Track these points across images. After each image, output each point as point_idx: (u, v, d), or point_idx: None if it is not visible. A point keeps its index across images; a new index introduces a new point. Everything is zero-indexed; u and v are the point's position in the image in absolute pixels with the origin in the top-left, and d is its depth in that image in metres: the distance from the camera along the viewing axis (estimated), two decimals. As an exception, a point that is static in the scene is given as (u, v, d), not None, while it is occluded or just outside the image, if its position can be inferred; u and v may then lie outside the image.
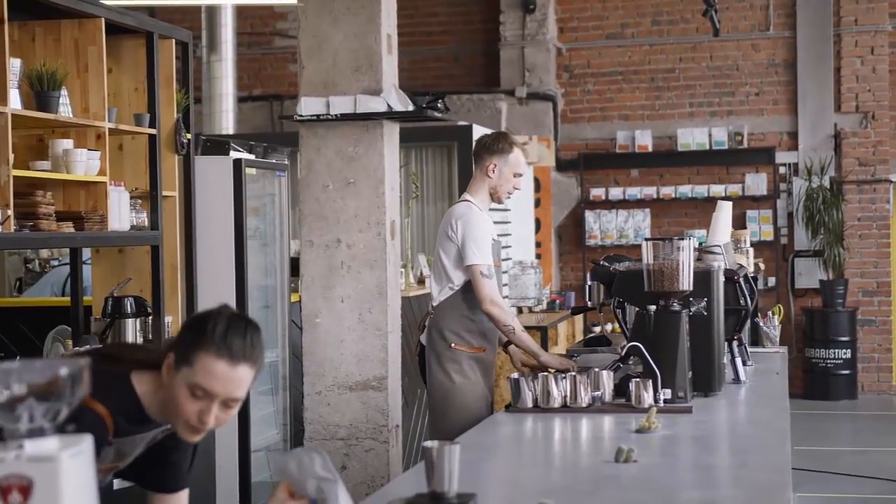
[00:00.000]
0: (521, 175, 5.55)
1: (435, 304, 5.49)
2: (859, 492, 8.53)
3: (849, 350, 12.74)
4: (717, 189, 13.09)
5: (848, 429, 11.66)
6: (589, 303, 5.43)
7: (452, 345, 5.40)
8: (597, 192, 13.45)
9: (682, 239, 4.59)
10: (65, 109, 5.16)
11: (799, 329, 13.12)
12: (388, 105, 6.16)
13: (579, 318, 12.04)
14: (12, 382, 1.82)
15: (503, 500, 3.03)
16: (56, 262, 9.53)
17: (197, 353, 2.65)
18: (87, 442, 1.86)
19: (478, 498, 2.87)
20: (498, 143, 5.52)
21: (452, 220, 5.44)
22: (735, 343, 5.30)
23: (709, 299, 4.72)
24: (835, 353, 12.71)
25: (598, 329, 12.53)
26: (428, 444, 2.81)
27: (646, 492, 3.12)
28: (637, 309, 4.74)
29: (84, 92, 5.39)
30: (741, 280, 5.27)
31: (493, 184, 5.50)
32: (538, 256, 12.69)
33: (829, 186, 12.85)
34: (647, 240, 4.65)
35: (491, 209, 5.59)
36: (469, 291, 5.40)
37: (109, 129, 5.48)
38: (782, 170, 13.24)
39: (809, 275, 13.09)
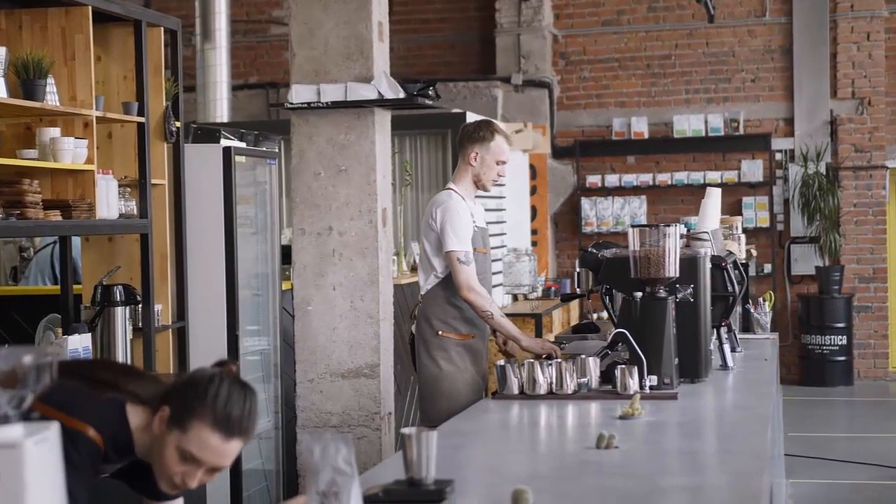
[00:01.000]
0: (504, 162, 5.56)
1: (422, 292, 5.52)
2: (855, 478, 8.54)
3: (845, 336, 12.75)
4: (714, 176, 13.08)
5: (844, 415, 11.67)
6: (578, 290, 5.44)
7: (440, 332, 5.43)
8: (593, 180, 13.45)
9: (669, 226, 4.59)
10: (52, 98, 5.15)
11: (795, 315, 13.13)
12: (379, 92, 6.16)
13: (575, 306, 12.05)
14: (-24, 370, 1.82)
15: (481, 486, 3.04)
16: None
17: (193, 420, 2.65)
18: (52, 429, 1.86)
19: (455, 484, 2.88)
20: (479, 132, 5.54)
21: (433, 208, 5.48)
22: (723, 329, 5.30)
23: (695, 286, 4.73)
24: (831, 339, 12.72)
25: (594, 316, 12.55)
26: (405, 430, 2.83)
27: (624, 478, 3.13)
28: (624, 295, 4.75)
29: (71, 80, 5.39)
30: (729, 266, 5.27)
31: (475, 172, 5.52)
32: (534, 244, 12.70)
33: (825, 173, 12.84)
34: (633, 226, 4.65)
35: (486, 196, 5.63)
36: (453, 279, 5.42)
37: (97, 117, 5.47)
38: (778, 156, 13.23)
39: (805, 261, 13.09)
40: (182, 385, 2.73)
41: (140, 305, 5.81)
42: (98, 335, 5.59)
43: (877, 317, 13.13)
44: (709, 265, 4.90)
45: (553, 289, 11.27)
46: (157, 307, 5.94)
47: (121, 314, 5.67)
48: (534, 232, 12.83)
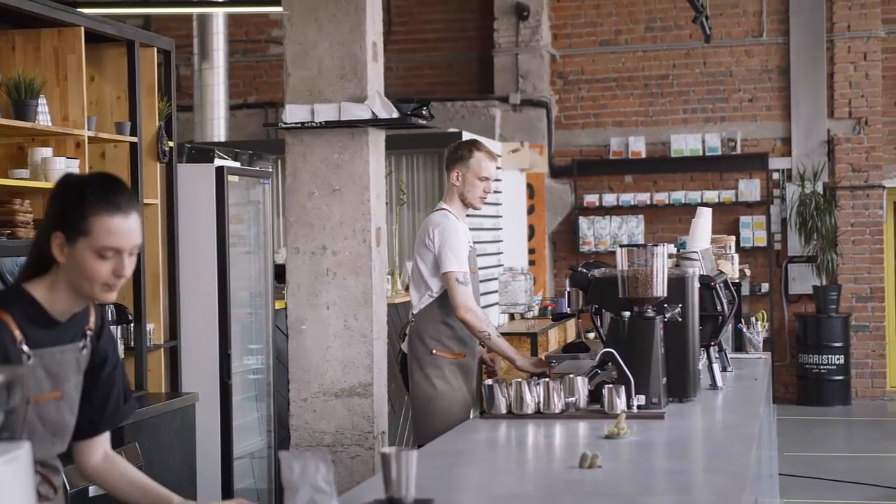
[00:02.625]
0: (486, 179, 5.62)
1: (415, 311, 5.58)
2: (852, 497, 8.53)
3: (842, 356, 12.74)
4: (711, 195, 13.10)
5: (841, 434, 11.66)
6: (568, 309, 5.45)
7: (434, 351, 5.47)
8: (591, 199, 13.47)
9: (656, 245, 4.60)
10: (43, 118, 5.18)
11: (792, 335, 13.13)
12: (373, 112, 6.18)
13: (572, 325, 12.05)
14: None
15: (462, 505, 3.05)
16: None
17: (88, 220, 2.73)
18: (24, 449, 1.88)
19: (435, 503, 2.88)
20: (458, 151, 5.67)
21: (429, 228, 5.54)
22: (713, 349, 5.31)
23: (683, 305, 4.73)
24: (828, 358, 12.71)
25: (592, 335, 12.54)
26: (385, 450, 2.84)
27: (605, 497, 3.13)
28: (612, 315, 4.76)
29: (63, 100, 5.42)
30: (718, 286, 5.27)
31: (460, 191, 5.62)
32: (532, 263, 12.71)
33: (822, 192, 12.86)
34: (621, 246, 4.66)
35: (483, 215, 5.69)
36: (448, 298, 5.45)
37: (90, 137, 5.50)
38: (776, 176, 13.25)
39: (803, 280, 13.09)
40: (56, 206, 2.79)
41: (132, 325, 5.83)
42: (90, 354, 5.59)
43: (874, 336, 13.13)
44: (697, 285, 4.90)
45: (550, 308, 11.27)
46: (150, 326, 5.96)
47: (113, 333, 5.67)
48: (531, 251, 12.85)
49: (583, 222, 13.45)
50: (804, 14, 13.11)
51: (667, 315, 4.65)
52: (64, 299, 2.81)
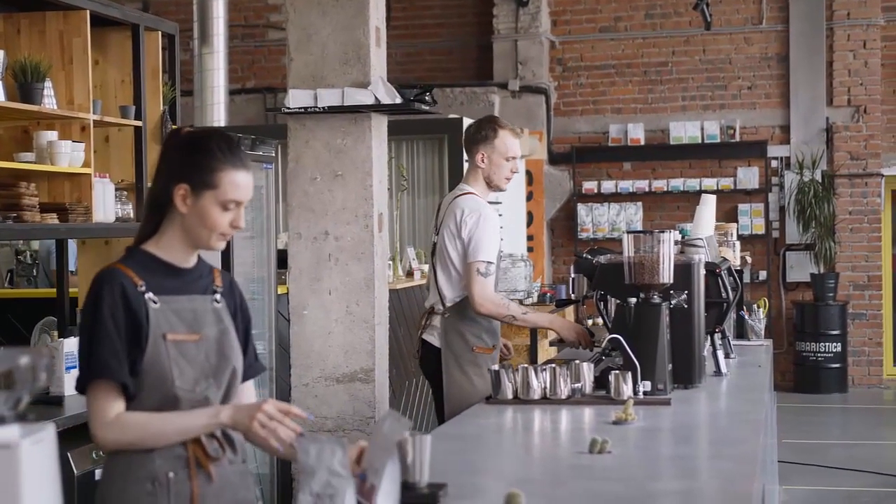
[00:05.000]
0: (514, 158, 5.42)
1: (448, 303, 5.35)
2: (849, 484, 8.56)
3: (839, 343, 12.77)
4: (709, 182, 13.11)
5: (838, 422, 11.69)
6: (573, 295, 5.44)
7: (474, 348, 5.30)
8: (589, 186, 13.47)
9: (663, 232, 4.61)
10: (49, 101, 5.17)
11: (790, 322, 13.15)
12: (376, 98, 6.17)
13: (570, 311, 12.06)
14: (-28, 371, 1.84)
15: (474, 489, 3.05)
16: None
17: (217, 174, 2.92)
18: (48, 430, 1.88)
19: (448, 488, 2.89)
20: (481, 131, 5.43)
21: (462, 214, 5.31)
22: (717, 336, 5.32)
23: (689, 292, 4.74)
24: (825, 346, 12.74)
25: (589, 322, 12.56)
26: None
27: (616, 482, 3.14)
28: (618, 301, 4.76)
29: (69, 84, 5.41)
30: (723, 273, 5.28)
31: (486, 173, 5.41)
32: (530, 249, 12.72)
33: (820, 180, 12.87)
34: (628, 232, 4.66)
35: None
36: None
37: (95, 120, 5.49)
38: (774, 163, 13.26)
39: (801, 268, 13.12)
40: (181, 161, 2.96)
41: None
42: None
43: (871, 324, 13.16)
44: (703, 272, 4.91)
45: (549, 294, 11.28)
46: (154, 310, 5.96)
47: (117, 317, 5.67)
48: (530, 238, 12.85)
49: (581, 209, 13.45)
50: (804, 2, 13.11)
51: (673, 301, 4.65)
52: (176, 248, 2.98)
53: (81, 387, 2.94)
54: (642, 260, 4.58)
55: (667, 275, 4.59)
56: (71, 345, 5.30)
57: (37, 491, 1.83)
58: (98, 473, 4.73)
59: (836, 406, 12.31)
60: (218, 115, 10.53)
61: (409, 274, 8.39)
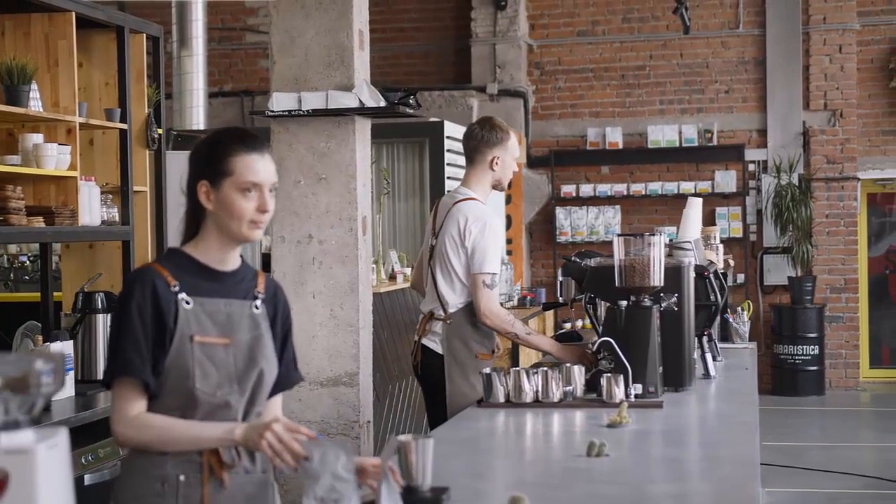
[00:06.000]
0: (517, 156, 5.41)
1: (451, 309, 5.24)
2: (830, 487, 8.59)
3: (816, 346, 12.83)
4: (687, 186, 13.15)
5: (816, 424, 11.74)
6: (560, 299, 5.43)
7: (478, 355, 5.21)
8: (567, 189, 13.49)
9: (654, 235, 4.61)
10: (35, 104, 5.13)
11: (767, 325, 13.20)
12: (360, 101, 6.17)
13: (550, 315, 12.09)
14: (-13, 375, 1.81)
15: (475, 493, 3.04)
16: (24, 258, 9.48)
17: (228, 160, 2.95)
18: (62, 435, 1.86)
19: (451, 492, 2.88)
20: (496, 134, 5.30)
21: (468, 223, 5.19)
22: (705, 339, 5.33)
23: (679, 295, 4.75)
24: (803, 349, 12.80)
25: (568, 325, 12.58)
26: (402, 438, 2.82)
27: (617, 485, 3.14)
28: (608, 304, 4.76)
29: (54, 86, 5.36)
30: (711, 276, 5.30)
31: (497, 176, 5.33)
32: (509, 253, 12.72)
33: (797, 184, 12.93)
34: (618, 235, 4.66)
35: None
36: None
37: (81, 123, 5.45)
38: (751, 167, 13.31)
39: (778, 271, 13.17)
40: (198, 160, 3.01)
41: (122, 313, 5.78)
42: (79, 342, 5.56)
43: (848, 327, 13.23)
44: (693, 274, 4.92)
45: (529, 298, 11.29)
46: (138, 315, 5.91)
47: (102, 321, 5.63)
48: (509, 241, 12.86)
49: (560, 213, 13.47)
50: (780, 6, 13.17)
51: (663, 304, 4.66)
52: (215, 248, 3.00)
53: (107, 382, 2.95)
54: (633, 263, 4.58)
55: (657, 278, 4.59)
56: (57, 349, 5.26)
57: (52, 495, 1.81)
58: (87, 479, 4.70)
59: (814, 408, 12.37)
60: (197, 118, 10.50)
61: (392, 277, 8.37)
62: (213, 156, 2.97)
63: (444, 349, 5.26)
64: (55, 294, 5.98)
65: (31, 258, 9.66)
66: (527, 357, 9.49)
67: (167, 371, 2.91)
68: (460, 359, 5.22)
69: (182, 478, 2.91)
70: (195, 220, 3.01)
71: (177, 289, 2.94)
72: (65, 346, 5.13)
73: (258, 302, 3.06)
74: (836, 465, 9.15)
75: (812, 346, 12.80)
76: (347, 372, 6.21)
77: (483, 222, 5.18)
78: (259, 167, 2.96)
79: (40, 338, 5.63)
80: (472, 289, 5.15)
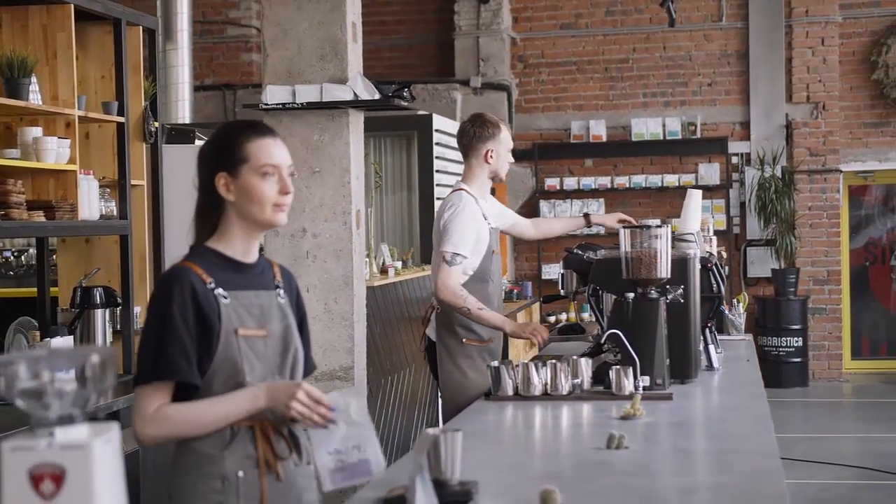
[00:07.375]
0: (511, 148, 5.64)
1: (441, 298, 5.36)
2: (813, 477, 8.63)
3: (800, 338, 12.88)
4: (671, 179, 13.17)
5: (800, 416, 11.78)
6: (562, 291, 5.43)
7: (464, 340, 5.38)
8: (551, 182, 13.49)
9: (660, 226, 4.61)
10: (34, 97, 5.08)
11: (751, 317, 13.24)
12: (355, 94, 6.15)
13: (536, 308, 12.09)
14: (41, 370, 1.79)
15: (504, 486, 3.02)
16: (9, 254, 9.41)
17: (243, 147, 2.95)
18: (115, 430, 1.84)
19: (479, 485, 2.87)
20: (487, 129, 5.51)
21: (443, 208, 5.43)
22: (708, 330, 5.33)
23: (685, 286, 4.74)
24: (786, 341, 12.85)
25: (552, 319, 12.59)
26: (431, 431, 2.80)
27: (642, 477, 3.13)
28: (614, 297, 4.75)
29: (53, 79, 5.32)
30: (714, 267, 5.30)
31: (493, 168, 5.54)
32: (493, 246, 12.70)
33: (780, 176, 12.97)
34: (625, 227, 4.66)
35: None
36: (474, 284, 5.35)
37: (79, 116, 5.40)
38: (735, 159, 13.35)
39: (761, 264, 13.22)
40: (211, 155, 3.00)
41: (119, 308, 5.74)
42: (77, 337, 5.52)
43: (831, 319, 13.28)
44: (698, 266, 4.92)
45: (515, 291, 11.29)
46: (137, 309, 5.88)
47: (100, 316, 5.60)
48: (493, 234, 12.83)
49: (544, 206, 13.46)
50: (763, -1, 13.21)
51: (669, 296, 4.65)
52: (238, 240, 3.00)
53: (142, 382, 2.92)
54: (640, 255, 4.58)
55: (664, 269, 4.59)
56: (57, 344, 5.22)
57: (107, 490, 1.79)
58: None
59: (798, 400, 12.42)
60: (183, 112, 10.44)
61: (384, 271, 8.35)
62: (227, 146, 2.97)
63: (435, 337, 5.45)
64: (52, 289, 5.93)
65: (16, 253, 9.59)
66: (515, 350, 9.49)
67: (216, 368, 2.90)
68: (448, 345, 5.40)
69: (241, 474, 2.90)
70: (212, 216, 2.99)
71: (212, 285, 2.93)
72: (65, 341, 5.09)
73: (280, 291, 3.06)
74: (823, 457, 9.20)
75: (796, 338, 12.86)
76: (342, 366, 6.20)
77: (455, 206, 5.36)
78: (274, 150, 2.97)
79: (37, 333, 5.59)
80: (434, 265, 5.35)
